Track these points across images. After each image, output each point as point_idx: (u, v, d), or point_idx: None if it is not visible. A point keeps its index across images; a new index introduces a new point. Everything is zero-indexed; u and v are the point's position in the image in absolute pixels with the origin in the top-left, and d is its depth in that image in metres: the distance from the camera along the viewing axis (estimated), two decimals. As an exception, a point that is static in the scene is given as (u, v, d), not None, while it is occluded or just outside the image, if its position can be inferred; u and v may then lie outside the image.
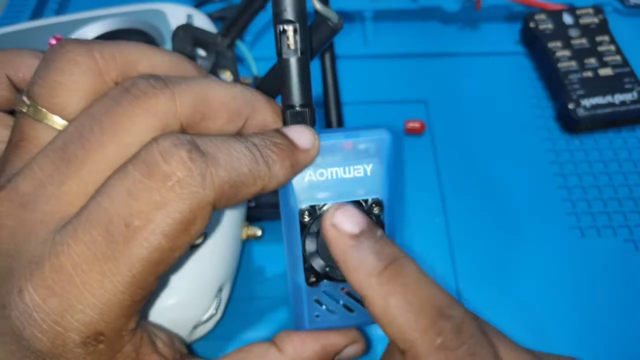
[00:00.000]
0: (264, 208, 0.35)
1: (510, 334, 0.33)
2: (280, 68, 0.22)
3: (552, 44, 0.45)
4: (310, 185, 0.23)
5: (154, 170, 0.19)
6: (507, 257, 0.36)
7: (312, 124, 0.23)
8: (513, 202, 0.38)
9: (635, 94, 0.41)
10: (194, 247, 0.28)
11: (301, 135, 0.22)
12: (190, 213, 0.19)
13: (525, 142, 0.42)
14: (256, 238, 0.33)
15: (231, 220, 0.30)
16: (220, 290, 0.29)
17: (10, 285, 0.19)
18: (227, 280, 0.30)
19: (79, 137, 0.20)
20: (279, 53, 0.22)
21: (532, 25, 0.46)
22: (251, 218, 0.35)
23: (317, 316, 0.25)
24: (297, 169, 0.22)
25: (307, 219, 0.23)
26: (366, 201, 0.23)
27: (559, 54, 0.44)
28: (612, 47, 0.44)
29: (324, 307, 0.25)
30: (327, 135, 0.23)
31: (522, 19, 0.47)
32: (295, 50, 0.22)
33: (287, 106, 0.23)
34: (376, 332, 0.33)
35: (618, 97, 0.41)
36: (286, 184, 0.23)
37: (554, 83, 0.43)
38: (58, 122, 0.21)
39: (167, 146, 0.19)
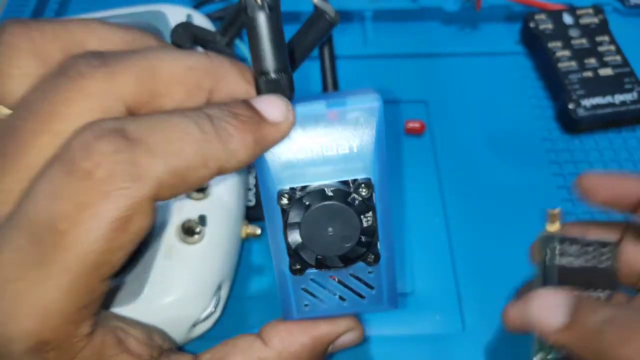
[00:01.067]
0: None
1: (509, 334, 0.33)
2: (247, 29, 0.19)
3: (552, 44, 0.45)
4: (288, 164, 0.20)
5: (73, 168, 0.17)
6: (507, 256, 0.36)
7: (289, 92, 0.20)
8: (513, 202, 0.38)
9: (635, 94, 0.41)
10: (191, 245, 0.28)
11: (271, 105, 0.19)
12: (123, 212, 0.17)
13: (525, 142, 0.42)
14: (256, 237, 0.33)
15: (230, 217, 0.30)
16: (219, 288, 0.29)
17: None
18: (226, 278, 0.30)
19: (13, 129, 0.18)
20: (244, 10, 0.19)
21: (532, 25, 0.46)
22: (250, 218, 0.35)
23: (306, 305, 0.23)
24: (263, 145, 0.19)
25: (285, 202, 0.21)
26: (354, 181, 0.21)
27: (559, 54, 0.44)
28: (612, 47, 0.44)
29: (311, 295, 0.23)
30: (308, 104, 0.20)
31: (522, 19, 0.47)
32: (262, 5, 0.19)
33: (259, 73, 0.20)
34: (369, 327, 0.33)
35: (618, 97, 0.41)
36: (261, 164, 0.20)
37: (554, 83, 0.43)
38: (2, 112, 0.19)
39: (87, 139, 0.17)
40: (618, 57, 0.44)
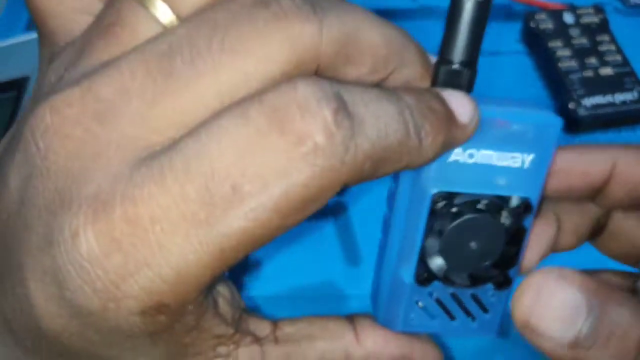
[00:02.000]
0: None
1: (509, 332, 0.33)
2: (450, 10, 0.18)
3: (552, 44, 0.45)
4: (453, 167, 0.18)
5: (287, 126, 0.14)
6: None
7: (469, 90, 0.18)
8: (513, 202, 0.38)
9: (635, 93, 0.41)
10: None
11: (462, 105, 0.17)
12: (316, 189, 0.15)
13: (525, 141, 0.41)
14: None
15: None
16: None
17: (64, 219, 0.15)
18: None
19: (191, 48, 0.15)
20: None
21: (532, 24, 0.46)
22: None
23: (412, 318, 0.21)
24: (449, 148, 0.18)
25: (440, 206, 0.18)
26: (510, 198, 0.19)
27: (560, 53, 0.44)
28: (613, 47, 0.44)
29: (424, 309, 0.20)
30: (482, 108, 0.18)
31: (523, 18, 0.47)
32: None
33: (442, 60, 0.18)
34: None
35: (618, 97, 0.41)
36: None
37: (555, 82, 0.43)
38: (167, 16, 0.16)
39: (308, 98, 0.14)
40: (618, 57, 0.43)
